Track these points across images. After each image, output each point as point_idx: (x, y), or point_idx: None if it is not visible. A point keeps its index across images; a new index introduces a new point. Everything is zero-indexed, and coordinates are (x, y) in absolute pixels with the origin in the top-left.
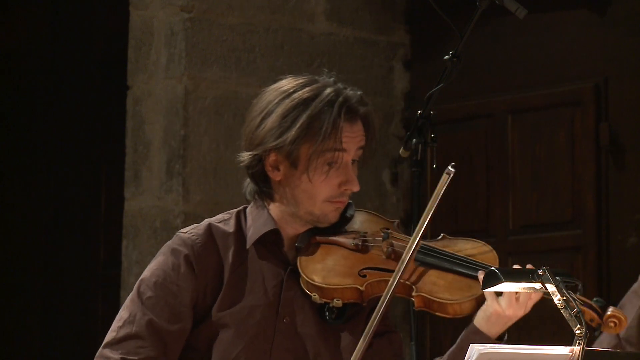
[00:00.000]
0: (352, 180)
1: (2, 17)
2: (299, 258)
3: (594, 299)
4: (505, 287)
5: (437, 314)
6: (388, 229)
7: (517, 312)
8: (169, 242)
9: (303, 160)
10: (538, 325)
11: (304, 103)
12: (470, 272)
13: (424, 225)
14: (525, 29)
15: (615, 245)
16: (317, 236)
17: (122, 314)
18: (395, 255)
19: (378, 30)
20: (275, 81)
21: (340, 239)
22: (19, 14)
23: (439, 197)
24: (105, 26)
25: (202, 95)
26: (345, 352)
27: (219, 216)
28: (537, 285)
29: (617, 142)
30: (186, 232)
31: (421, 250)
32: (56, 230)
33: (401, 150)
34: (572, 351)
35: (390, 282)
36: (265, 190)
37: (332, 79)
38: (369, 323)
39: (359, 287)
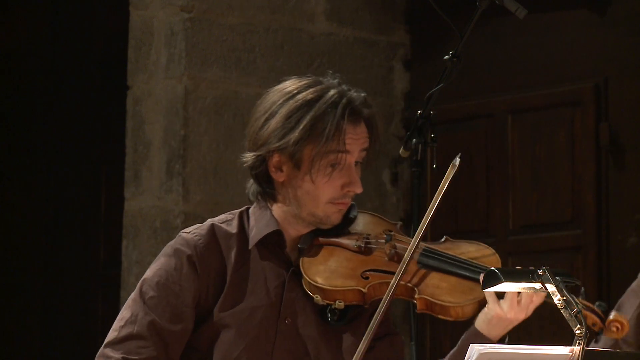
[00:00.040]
0: (355, 182)
1: (2, 17)
2: (301, 259)
3: (596, 303)
4: (505, 287)
5: (439, 316)
6: (391, 231)
7: (518, 315)
8: (172, 242)
9: (306, 162)
10: (538, 325)
11: (308, 104)
12: (472, 275)
13: (430, 216)
14: (525, 29)
15: (615, 245)
16: (319, 237)
17: (124, 314)
18: (398, 258)
19: (378, 30)
20: (279, 82)
21: (343, 240)
22: (19, 14)
23: (445, 188)
24: (105, 26)
25: (202, 95)
26: (347, 353)
27: (222, 216)
28: (537, 285)
29: (617, 142)
30: (189, 232)
31: (424, 252)
32: (56, 230)
33: (401, 150)
34: (572, 351)
35: (391, 283)
36: (268, 191)
37: (336, 81)
38: (370, 325)
39: (361, 289)
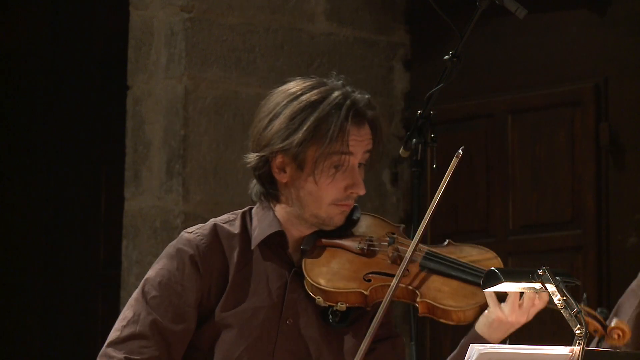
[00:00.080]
0: (359, 183)
1: (2, 17)
2: (304, 260)
3: (598, 309)
4: (505, 287)
5: (440, 320)
6: (394, 234)
7: (519, 318)
8: (174, 242)
9: (309, 163)
10: (538, 325)
11: (312, 105)
12: (475, 280)
13: (432, 211)
14: (525, 29)
15: (615, 245)
16: (322, 239)
17: (126, 313)
18: (401, 261)
19: (378, 30)
20: (283, 83)
21: (345, 242)
22: (19, 14)
23: (447, 179)
24: (105, 26)
25: (202, 95)
26: (348, 355)
27: (225, 216)
28: (537, 285)
29: (617, 142)
30: (191, 232)
31: (426, 255)
32: (56, 230)
33: (401, 150)
34: (572, 351)
35: (392, 283)
36: (271, 192)
37: (340, 82)
38: (370, 326)
39: (363, 291)
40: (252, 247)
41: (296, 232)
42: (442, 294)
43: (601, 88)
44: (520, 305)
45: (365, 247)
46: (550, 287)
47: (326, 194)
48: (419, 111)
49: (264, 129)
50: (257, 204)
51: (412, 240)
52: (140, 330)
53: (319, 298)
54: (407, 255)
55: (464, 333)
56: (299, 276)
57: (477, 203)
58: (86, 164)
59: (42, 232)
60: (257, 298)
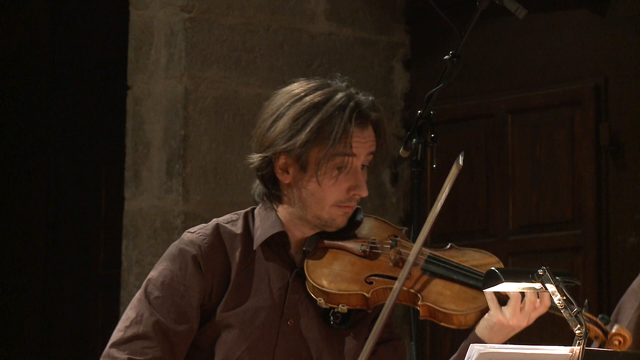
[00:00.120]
0: (361, 185)
1: (2, 17)
2: (305, 261)
3: (599, 315)
4: (505, 287)
5: (441, 324)
6: (396, 237)
7: (520, 322)
8: (177, 242)
9: (312, 164)
10: (538, 325)
11: (315, 107)
12: (476, 284)
13: (434, 218)
14: (525, 29)
15: (615, 245)
16: (325, 240)
17: (129, 314)
18: (403, 264)
19: (378, 30)
20: (286, 84)
21: (348, 244)
22: (19, 14)
23: (448, 188)
24: (105, 26)
25: (202, 95)
26: (348, 357)
27: (227, 216)
28: (537, 285)
29: (617, 142)
30: (194, 232)
31: (428, 259)
32: (56, 230)
33: (401, 150)
34: (572, 351)
35: (394, 287)
36: (274, 193)
37: (344, 84)
38: (373, 329)
39: (365, 293)
40: (255, 248)
41: (298, 233)
42: (444, 298)
43: (601, 88)
44: (521, 309)
45: (368, 250)
46: (550, 287)
47: (329, 195)
48: (419, 111)
49: (268, 129)
50: (260, 205)
51: (415, 243)
52: (143, 331)
53: (320, 299)
54: (410, 259)
55: (465, 333)
56: (301, 277)
57: (477, 203)
58: (86, 163)
59: (42, 232)
60: (258, 298)
